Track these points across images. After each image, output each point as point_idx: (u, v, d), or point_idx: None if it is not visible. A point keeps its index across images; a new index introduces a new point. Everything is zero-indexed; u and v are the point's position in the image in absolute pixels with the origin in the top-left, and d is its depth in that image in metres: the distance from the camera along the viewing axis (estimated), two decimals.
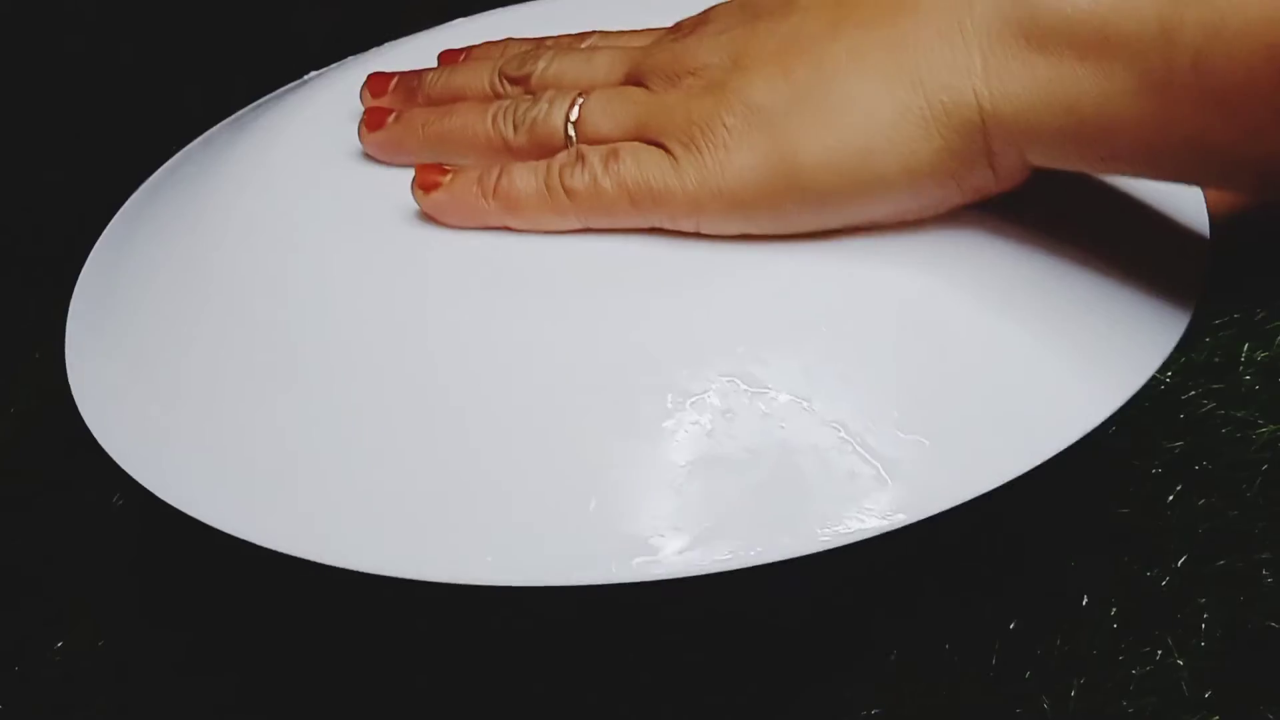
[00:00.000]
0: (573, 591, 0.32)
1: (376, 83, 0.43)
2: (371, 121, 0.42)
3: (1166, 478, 0.44)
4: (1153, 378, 0.46)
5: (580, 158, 0.38)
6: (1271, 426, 0.45)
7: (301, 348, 0.37)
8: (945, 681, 0.39)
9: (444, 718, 0.41)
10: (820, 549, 0.32)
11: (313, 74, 0.51)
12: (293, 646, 0.42)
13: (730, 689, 0.40)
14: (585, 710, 0.40)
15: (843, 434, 0.34)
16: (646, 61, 0.39)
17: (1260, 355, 0.47)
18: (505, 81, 0.41)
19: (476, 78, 0.42)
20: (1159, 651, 0.39)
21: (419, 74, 0.43)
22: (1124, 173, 0.36)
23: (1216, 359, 0.47)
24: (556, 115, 0.39)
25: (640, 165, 0.37)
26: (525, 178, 0.38)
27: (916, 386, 0.35)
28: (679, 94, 0.38)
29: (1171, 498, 0.43)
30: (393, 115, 0.42)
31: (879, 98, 0.35)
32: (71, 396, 0.38)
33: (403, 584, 0.32)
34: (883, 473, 0.33)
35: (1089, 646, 0.40)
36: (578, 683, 0.41)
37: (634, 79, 0.39)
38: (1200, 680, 0.39)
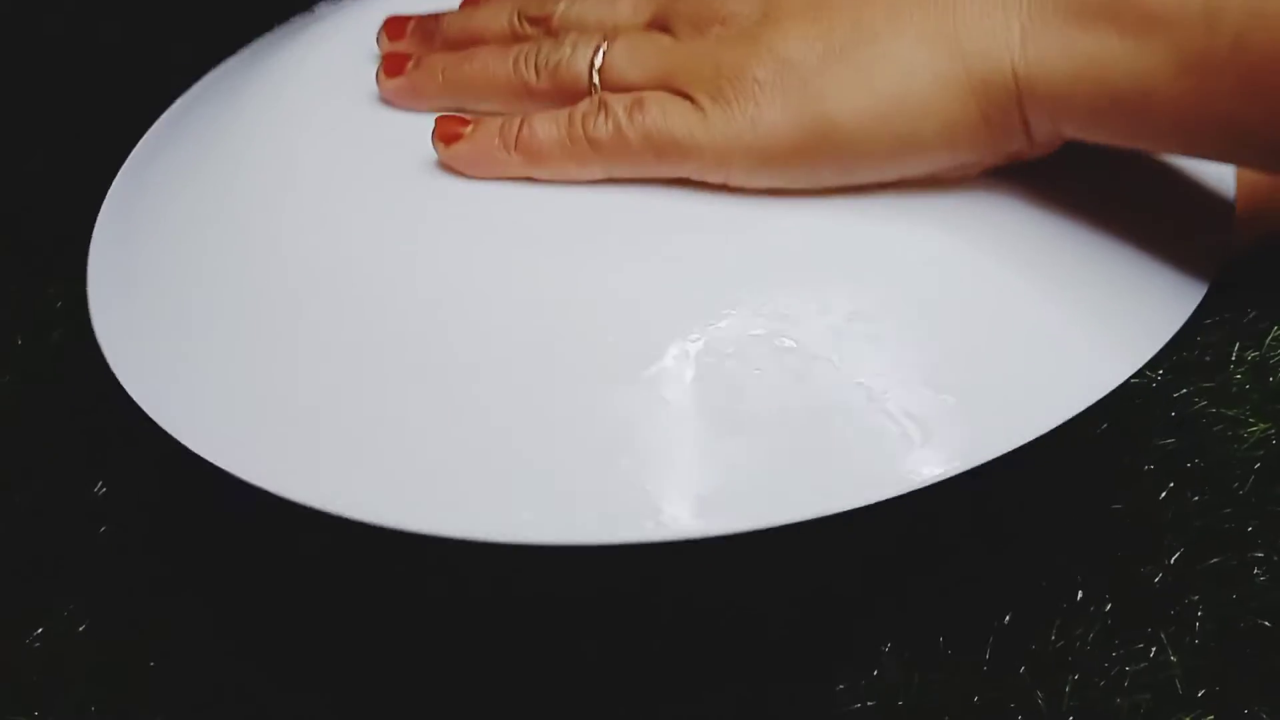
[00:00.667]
0: (581, 571, 0.31)
1: (394, 26, 0.43)
2: (390, 67, 0.41)
3: (1159, 475, 0.44)
4: (1144, 376, 0.47)
5: (603, 106, 0.37)
6: (1263, 425, 0.45)
7: (314, 301, 0.36)
8: (939, 675, 0.39)
9: (439, 713, 0.40)
10: (847, 508, 0.32)
11: (323, 4, 0.49)
12: (270, 635, 0.42)
13: (725, 682, 0.40)
14: (582, 703, 0.40)
15: (871, 393, 0.33)
16: (673, 6, 0.38)
17: (1251, 354, 0.48)
18: (525, 22, 0.41)
19: (495, 18, 0.41)
20: (1153, 648, 0.40)
21: (437, 17, 0.42)
22: (1157, 149, 0.36)
23: (1208, 358, 0.48)
24: (580, 60, 0.38)
25: (666, 116, 0.36)
26: (547, 128, 0.37)
27: (944, 345, 0.35)
28: (707, 43, 0.37)
29: (1164, 495, 0.43)
30: (412, 61, 0.41)
31: (917, 60, 0.34)
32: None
33: (412, 553, 0.32)
34: (910, 432, 0.33)
35: (1083, 642, 0.40)
36: (574, 676, 0.40)
37: (659, 24, 0.38)
38: (1194, 677, 0.39)
